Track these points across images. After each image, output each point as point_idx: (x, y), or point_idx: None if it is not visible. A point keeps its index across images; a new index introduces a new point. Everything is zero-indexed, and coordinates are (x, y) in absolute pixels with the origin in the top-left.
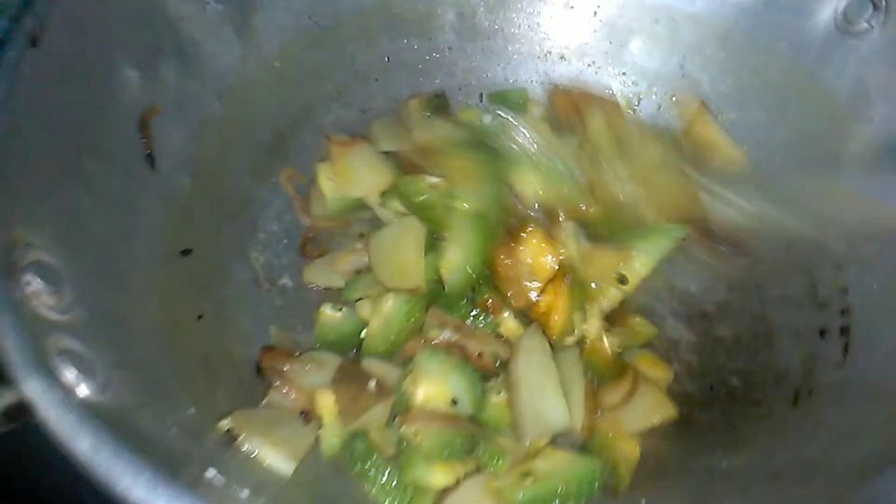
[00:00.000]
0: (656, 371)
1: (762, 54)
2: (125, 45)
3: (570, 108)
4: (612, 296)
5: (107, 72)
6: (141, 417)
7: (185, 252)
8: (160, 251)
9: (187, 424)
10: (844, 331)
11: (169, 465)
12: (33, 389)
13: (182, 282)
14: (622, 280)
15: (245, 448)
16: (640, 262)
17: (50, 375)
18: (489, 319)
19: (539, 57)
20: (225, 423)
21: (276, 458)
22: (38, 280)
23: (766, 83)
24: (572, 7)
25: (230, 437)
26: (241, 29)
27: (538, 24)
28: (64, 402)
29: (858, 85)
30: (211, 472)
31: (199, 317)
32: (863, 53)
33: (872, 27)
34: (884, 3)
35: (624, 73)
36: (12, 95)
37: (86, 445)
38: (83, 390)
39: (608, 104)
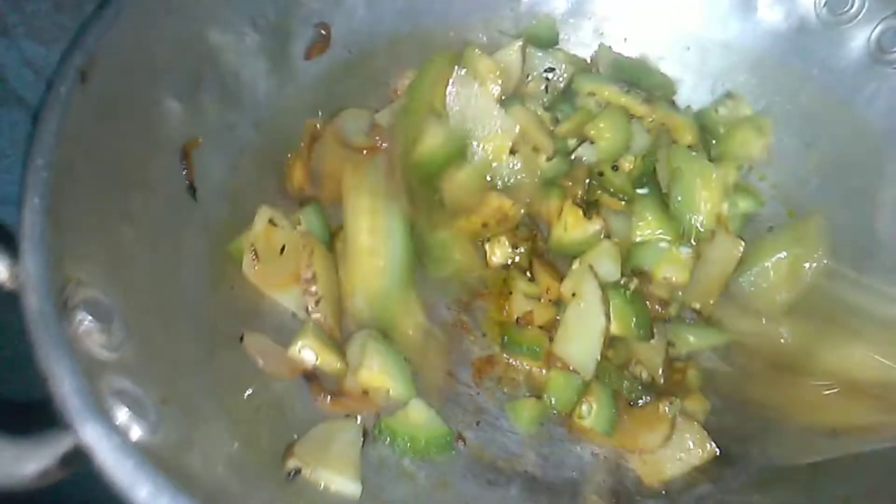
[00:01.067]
0: (693, 403)
1: (794, 81)
2: (168, 78)
3: None
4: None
5: (151, 104)
6: (191, 457)
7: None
8: (202, 281)
9: (232, 461)
10: None
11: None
12: (91, 435)
13: (224, 311)
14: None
15: (311, 478)
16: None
17: (107, 420)
18: None
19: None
20: (291, 463)
21: (342, 483)
22: (90, 318)
23: (798, 110)
24: (602, 33)
25: (295, 472)
26: (277, 58)
27: (572, 52)
28: (122, 447)
29: (892, 113)
30: None
31: (241, 338)
32: None
33: None
34: None
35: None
36: (63, 131)
37: (146, 493)
38: (136, 432)
39: None
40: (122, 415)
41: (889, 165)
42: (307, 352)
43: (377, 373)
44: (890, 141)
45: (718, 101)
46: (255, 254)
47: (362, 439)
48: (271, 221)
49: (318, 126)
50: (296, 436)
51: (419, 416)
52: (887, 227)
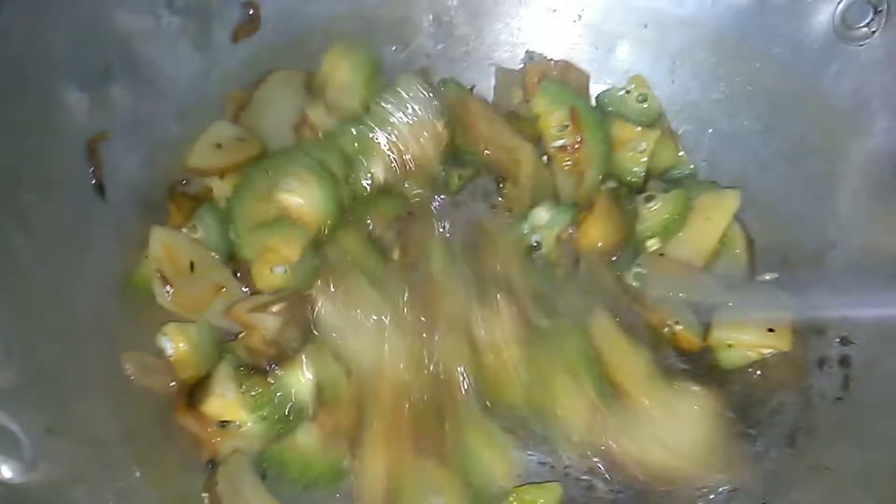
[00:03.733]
0: None
1: (756, 60)
2: (69, 67)
3: None
4: None
5: (49, 96)
6: (73, 493)
7: None
8: (110, 289)
9: (128, 492)
10: (844, 362)
11: None
12: None
13: (133, 322)
14: None
15: None
16: None
17: None
18: None
19: (521, 64)
20: None
21: None
22: None
23: (761, 91)
24: (555, 10)
25: None
26: (199, 42)
27: (519, 29)
28: None
29: (858, 94)
30: None
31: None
32: (862, 60)
33: (873, 32)
34: (885, 6)
35: (611, 81)
36: None
37: None
38: (6, 472)
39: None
40: None
41: (854, 147)
42: (165, 340)
43: (230, 402)
44: (855, 122)
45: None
46: (165, 279)
47: None
48: (167, 242)
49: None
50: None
51: (309, 444)
52: (849, 212)
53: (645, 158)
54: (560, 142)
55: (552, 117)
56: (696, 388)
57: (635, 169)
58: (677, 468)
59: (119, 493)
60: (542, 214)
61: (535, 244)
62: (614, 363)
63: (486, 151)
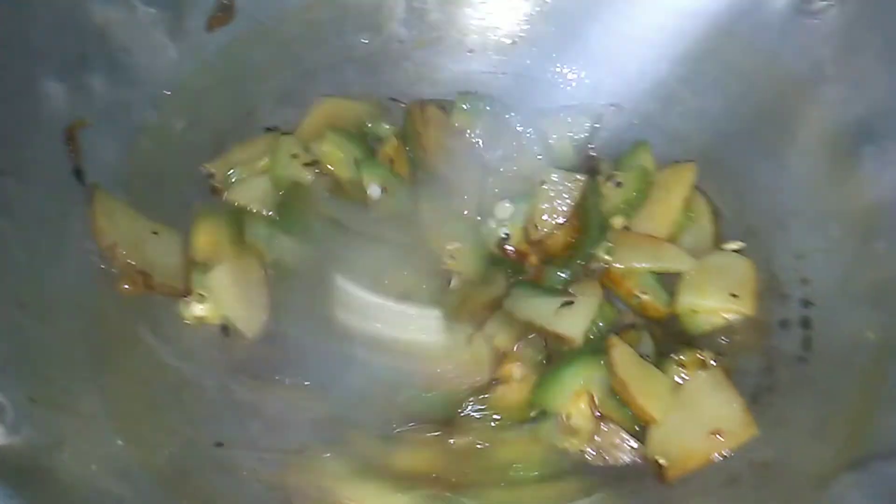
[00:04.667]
0: None
1: (720, 37)
2: (46, 56)
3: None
4: None
5: (26, 85)
6: (57, 458)
7: None
8: (89, 272)
9: (111, 459)
10: (805, 323)
11: None
12: None
13: (114, 302)
14: None
15: None
16: None
17: None
18: None
19: (491, 49)
20: None
21: None
22: None
23: (725, 67)
24: None
25: None
26: (175, 31)
27: (490, 13)
28: None
29: (816, 65)
30: None
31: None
32: (822, 33)
33: (832, 4)
34: None
35: (580, 64)
36: None
37: None
38: None
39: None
40: None
41: (813, 116)
42: None
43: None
44: (814, 92)
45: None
46: None
47: None
48: None
49: None
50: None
51: None
52: (810, 180)
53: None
54: None
55: None
56: (701, 373)
57: None
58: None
59: (103, 459)
60: (506, 206)
61: (504, 236)
62: (637, 389)
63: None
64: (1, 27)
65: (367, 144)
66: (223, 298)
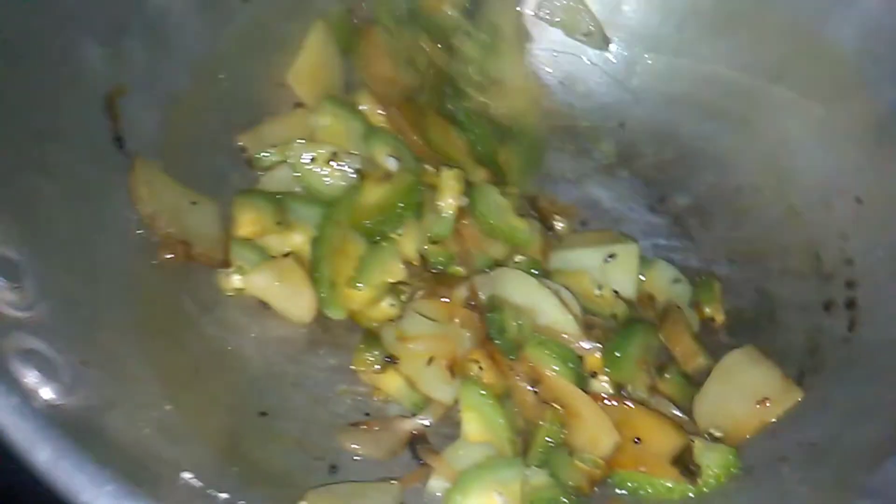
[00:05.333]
0: None
1: (762, 13)
2: (86, 21)
3: None
4: None
5: (67, 50)
6: (110, 419)
7: None
8: (131, 239)
9: (161, 423)
10: (850, 304)
11: (140, 468)
12: None
13: (156, 270)
14: None
15: None
16: None
17: (7, 380)
18: None
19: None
20: None
21: None
22: None
23: (766, 43)
24: None
25: None
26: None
27: None
28: (21, 409)
29: (862, 43)
30: (187, 475)
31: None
32: (866, 8)
33: None
34: None
35: (620, 39)
36: None
37: (45, 456)
38: (46, 393)
39: None
40: (30, 376)
41: (857, 95)
42: None
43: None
44: (859, 70)
45: None
46: None
47: None
48: None
49: None
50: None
51: None
52: (853, 159)
53: None
54: None
55: None
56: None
57: None
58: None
59: (154, 422)
60: None
61: None
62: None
63: None
64: None
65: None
66: (270, 299)
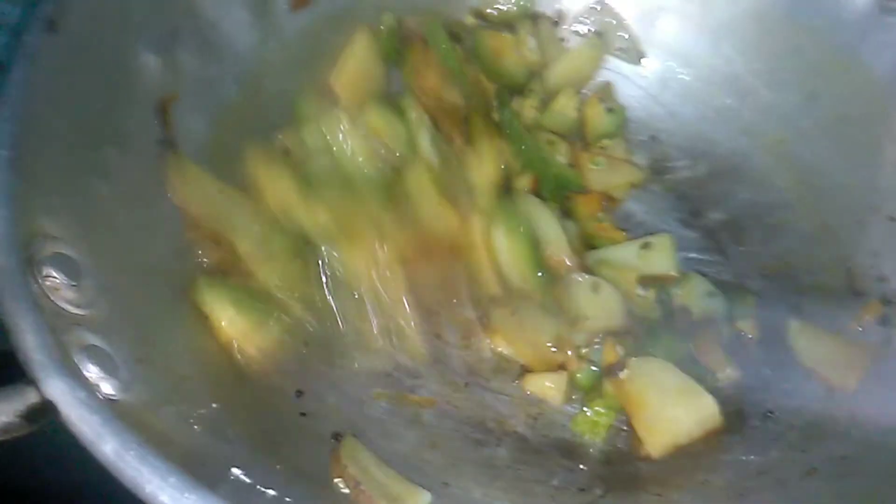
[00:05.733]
0: None
1: (799, 33)
2: (143, 30)
3: None
4: None
5: (125, 57)
6: (164, 415)
7: None
8: (182, 241)
9: (210, 421)
10: (884, 321)
11: (192, 463)
12: (56, 389)
13: (205, 271)
14: None
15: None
16: None
17: (73, 374)
18: None
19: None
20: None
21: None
22: (58, 273)
23: (802, 63)
24: None
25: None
26: (259, 10)
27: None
28: (88, 402)
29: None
30: (236, 471)
31: None
32: None
33: None
34: None
35: (654, 54)
36: (30, 82)
37: (111, 448)
38: (107, 388)
39: None
40: (91, 371)
41: (893, 116)
42: None
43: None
44: (893, 89)
45: None
46: None
47: None
48: None
49: None
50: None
51: None
52: (889, 179)
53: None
54: None
55: None
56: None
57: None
58: None
59: (204, 420)
60: None
61: None
62: None
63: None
64: (102, 1)
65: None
66: None
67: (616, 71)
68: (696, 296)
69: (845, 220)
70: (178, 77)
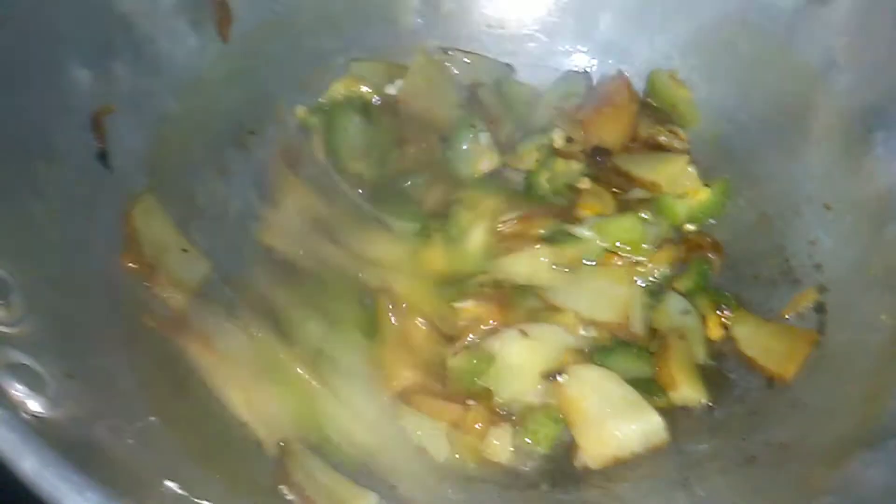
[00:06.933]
0: None
1: (733, 27)
2: (73, 44)
3: None
4: None
5: (55, 72)
6: (96, 430)
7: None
8: (117, 252)
9: (146, 434)
10: (820, 308)
11: (123, 477)
12: None
13: (142, 286)
14: None
15: None
16: None
17: None
18: None
19: (506, 38)
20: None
21: None
22: None
23: (737, 56)
24: None
25: None
26: (196, 21)
27: (503, 4)
28: (9, 420)
29: (827, 54)
30: (170, 483)
31: None
32: (832, 21)
33: None
34: None
35: (592, 50)
36: None
37: (29, 465)
38: (34, 405)
39: None
40: (16, 389)
41: (823, 105)
42: None
43: None
44: (825, 80)
45: None
46: None
47: None
48: None
49: None
50: None
51: None
52: (822, 167)
53: None
54: None
55: None
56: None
57: None
58: None
59: (139, 433)
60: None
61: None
62: None
63: None
64: (30, 14)
65: None
66: None
67: (558, 70)
68: (670, 314)
69: (782, 210)
70: (113, 90)
